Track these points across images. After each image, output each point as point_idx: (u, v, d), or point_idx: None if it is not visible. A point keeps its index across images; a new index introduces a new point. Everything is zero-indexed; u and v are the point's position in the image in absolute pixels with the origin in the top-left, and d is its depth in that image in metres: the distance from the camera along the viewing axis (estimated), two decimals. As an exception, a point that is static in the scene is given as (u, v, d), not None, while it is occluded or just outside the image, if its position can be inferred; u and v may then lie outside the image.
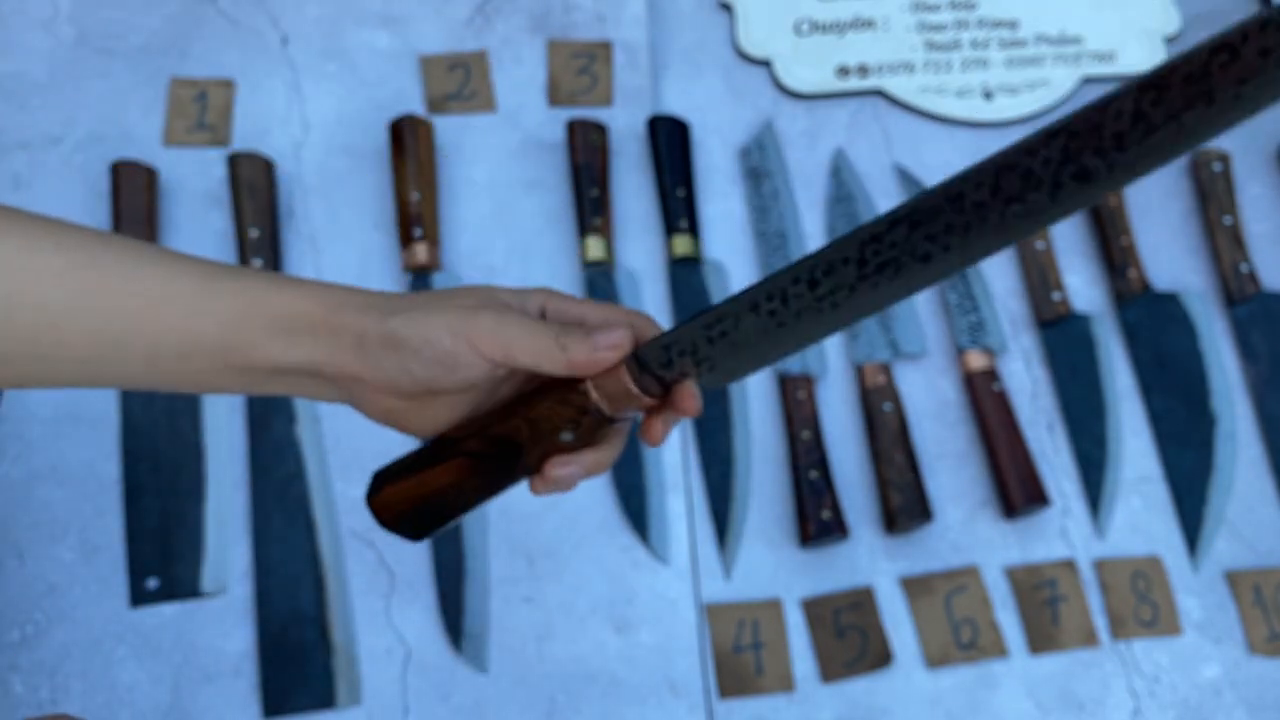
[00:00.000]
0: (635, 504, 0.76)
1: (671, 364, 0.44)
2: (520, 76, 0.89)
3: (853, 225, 0.86)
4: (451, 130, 0.87)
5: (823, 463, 0.78)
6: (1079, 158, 0.37)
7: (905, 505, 0.77)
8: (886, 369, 0.82)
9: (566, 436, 0.45)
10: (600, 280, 0.82)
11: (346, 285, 0.45)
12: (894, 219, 0.40)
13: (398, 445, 0.76)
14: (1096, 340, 0.84)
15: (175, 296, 0.42)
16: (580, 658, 0.73)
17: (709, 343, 0.44)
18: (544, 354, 0.43)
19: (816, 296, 0.42)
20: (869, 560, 0.78)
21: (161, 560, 0.72)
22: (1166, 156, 0.36)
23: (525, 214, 0.85)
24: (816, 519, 0.76)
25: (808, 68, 0.92)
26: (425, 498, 0.48)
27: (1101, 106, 0.36)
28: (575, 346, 0.43)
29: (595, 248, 0.82)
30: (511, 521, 0.76)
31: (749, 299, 0.43)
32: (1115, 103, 0.36)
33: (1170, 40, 0.95)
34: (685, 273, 0.83)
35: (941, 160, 0.90)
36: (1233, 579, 0.78)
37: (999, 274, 0.86)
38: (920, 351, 0.83)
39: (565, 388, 0.44)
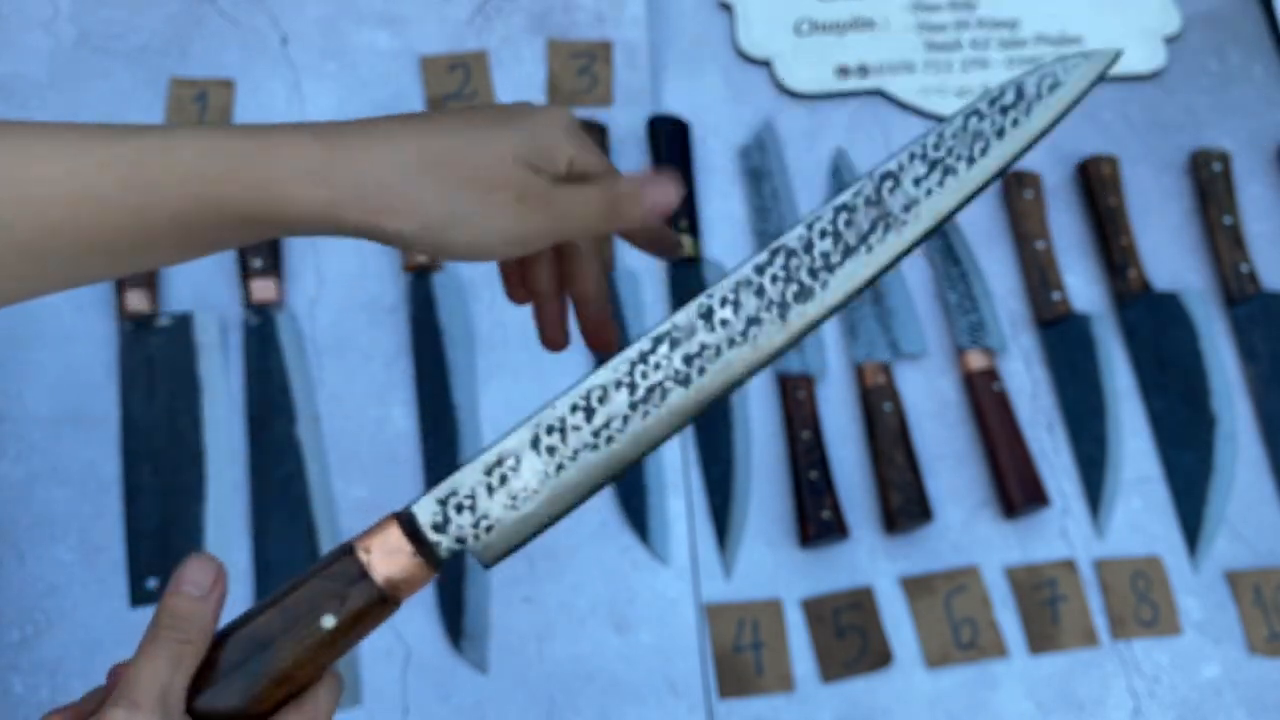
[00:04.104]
0: (635, 504, 0.76)
1: (447, 524, 0.40)
2: (520, 76, 0.89)
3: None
4: (451, 130, 0.86)
5: (823, 463, 0.78)
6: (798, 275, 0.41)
7: (905, 505, 0.77)
8: (886, 369, 0.82)
9: (328, 622, 0.39)
10: (600, 280, 0.82)
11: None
12: (657, 337, 0.41)
13: (398, 444, 0.76)
14: (1096, 340, 0.84)
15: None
16: (580, 658, 0.73)
17: (489, 492, 0.40)
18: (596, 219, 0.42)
19: (594, 430, 0.41)
20: (869, 560, 0.78)
21: (161, 560, 0.72)
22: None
23: (525, 214, 0.85)
24: (816, 519, 0.76)
25: (808, 68, 0.92)
26: None
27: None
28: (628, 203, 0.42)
29: (595, 248, 0.82)
30: (511, 521, 0.76)
31: (529, 432, 0.41)
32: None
33: (1170, 40, 0.95)
34: (685, 273, 0.83)
35: (941, 160, 0.90)
36: (1233, 579, 0.78)
37: (999, 274, 0.86)
38: (920, 351, 0.83)
39: (331, 561, 0.40)
